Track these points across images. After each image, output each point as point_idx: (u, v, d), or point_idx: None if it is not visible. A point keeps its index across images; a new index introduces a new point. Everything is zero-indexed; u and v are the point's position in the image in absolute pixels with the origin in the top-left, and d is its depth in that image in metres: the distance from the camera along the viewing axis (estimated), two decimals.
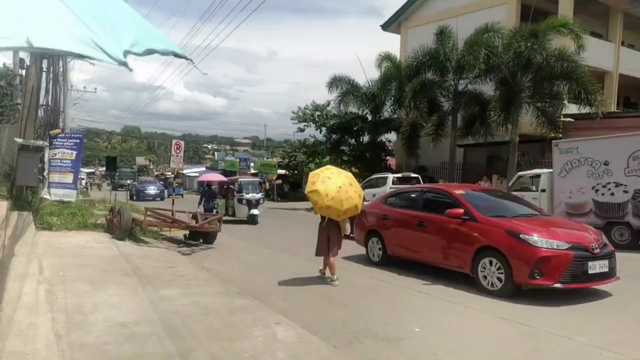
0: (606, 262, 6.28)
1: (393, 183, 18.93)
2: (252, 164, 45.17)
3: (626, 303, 6.17)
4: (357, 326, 5.10)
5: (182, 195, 35.14)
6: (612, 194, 11.27)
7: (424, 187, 8.95)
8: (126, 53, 2.75)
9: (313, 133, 32.52)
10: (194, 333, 4.56)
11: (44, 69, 14.77)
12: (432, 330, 5.02)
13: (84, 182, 39.23)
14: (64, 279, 6.49)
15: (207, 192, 17.18)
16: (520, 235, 6.23)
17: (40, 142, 13.20)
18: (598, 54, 21.09)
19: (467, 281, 6.84)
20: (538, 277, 6.01)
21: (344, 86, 26.44)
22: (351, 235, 10.06)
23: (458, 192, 7.62)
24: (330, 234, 7.29)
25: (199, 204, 16.04)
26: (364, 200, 12.07)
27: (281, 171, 36.64)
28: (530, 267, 6.01)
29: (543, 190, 13.27)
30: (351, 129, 28.50)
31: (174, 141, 15.33)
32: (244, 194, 16.99)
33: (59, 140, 13.65)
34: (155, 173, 66.76)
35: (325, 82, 26.79)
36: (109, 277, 6.79)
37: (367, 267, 8.53)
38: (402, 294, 6.65)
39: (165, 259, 8.89)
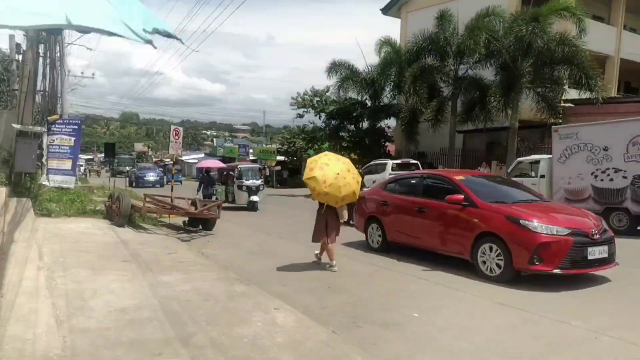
0: (605, 247, 6.29)
1: (392, 169, 18.94)
2: (251, 151, 45.13)
3: (624, 288, 6.20)
4: (356, 311, 5.14)
5: (180, 181, 35.10)
6: (611, 179, 11.28)
7: (424, 173, 8.93)
8: (145, 32, 2.88)
9: (312, 119, 32.45)
10: (194, 318, 4.59)
11: (41, 54, 14.64)
12: (431, 315, 5.06)
13: (82, 168, 39.10)
14: (64, 265, 6.51)
15: (205, 178, 17.17)
16: (520, 221, 6.22)
17: (38, 128, 13.13)
18: (599, 38, 20.94)
19: (466, 267, 6.87)
20: (537, 263, 6.02)
21: (344, 71, 26.27)
22: (351, 222, 10.08)
23: (458, 177, 7.58)
24: (328, 220, 7.30)
25: (198, 191, 16.04)
26: (364, 186, 12.15)
27: (280, 157, 36.60)
28: (530, 252, 6.02)
29: (542, 176, 13.27)
30: (350, 115, 28.40)
31: (172, 127, 15.23)
32: (244, 180, 16.97)
33: (57, 126, 13.59)
34: (154, 159, 66.64)
35: (324, 67, 26.64)
36: (109, 263, 6.81)
37: (366, 253, 8.56)
38: (401, 280, 6.68)
39: (165, 245, 8.91)
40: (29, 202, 10.14)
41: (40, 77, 15.28)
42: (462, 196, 7.01)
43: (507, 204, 6.83)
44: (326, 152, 7.87)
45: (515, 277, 6.28)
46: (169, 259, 7.51)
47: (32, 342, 3.82)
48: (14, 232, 7.44)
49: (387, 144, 30.70)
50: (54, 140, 13.38)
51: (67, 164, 13.51)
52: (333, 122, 29.30)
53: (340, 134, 28.93)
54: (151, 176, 33.83)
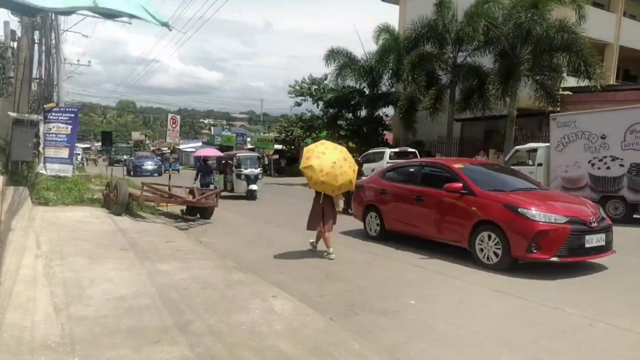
0: (603, 235, 6.30)
1: (390, 158, 18.92)
2: (248, 139, 45.02)
3: (620, 276, 6.23)
4: (353, 299, 5.16)
5: (178, 170, 35.07)
6: (608, 167, 11.29)
7: (423, 161, 8.90)
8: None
9: (310, 107, 32.32)
10: (192, 306, 4.61)
11: (36, 41, 14.49)
12: (428, 302, 5.09)
13: (79, 157, 38.98)
14: (62, 253, 6.52)
15: (203, 167, 17.09)
16: (519, 209, 6.22)
17: (34, 116, 13.07)
18: (599, 25, 20.83)
19: (464, 255, 6.90)
20: (535, 251, 6.03)
21: (342, 59, 26.11)
22: (349, 211, 10.10)
23: (457, 166, 7.56)
24: (324, 208, 7.32)
25: (195, 180, 16.00)
26: (363, 175, 12.16)
27: (278, 146, 36.54)
28: (528, 241, 6.02)
29: (540, 165, 13.28)
30: (348, 103, 28.29)
31: (169, 115, 15.18)
32: (243, 169, 16.92)
33: (53, 114, 13.50)
34: (152, 148, 66.51)
35: (322, 55, 26.48)
36: (107, 252, 6.82)
37: (364, 241, 8.58)
38: (398, 268, 6.71)
39: (163, 233, 8.92)
40: (26, 191, 10.13)
41: (35, 65, 15.16)
42: (461, 184, 7.00)
43: (505, 192, 6.83)
44: (323, 141, 7.85)
45: (512, 265, 6.30)
46: (167, 247, 7.52)
47: (31, 330, 3.84)
48: (11, 221, 7.44)
49: (384, 132, 30.65)
50: (50, 129, 13.31)
51: (64, 153, 13.45)
52: (331, 110, 29.19)
53: (338, 122, 28.84)
54: (149, 165, 33.74)
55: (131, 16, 3.05)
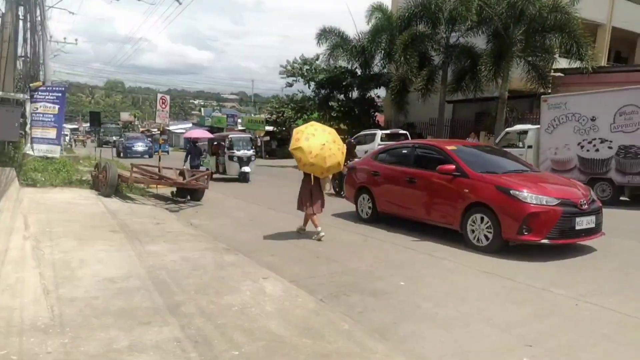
0: (593, 218, 6.33)
1: (381, 139, 18.92)
2: (239, 120, 44.69)
3: (608, 257, 6.31)
4: (344, 280, 5.20)
5: (167, 152, 34.75)
6: (597, 150, 11.39)
7: (415, 143, 8.84)
8: None
9: (301, 88, 32.11)
10: (183, 288, 4.61)
11: (21, 17, 14.13)
12: (417, 283, 5.13)
13: (67, 138, 38.46)
14: (51, 235, 6.47)
15: (192, 149, 16.91)
16: (511, 191, 6.22)
17: (20, 96, 12.84)
18: (592, 5, 20.74)
19: (455, 238, 6.94)
20: (526, 233, 6.06)
21: (334, 38, 25.86)
22: (342, 193, 10.10)
23: (450, 147, 7.52)
24: (313, 190, 7.37)
25: (185, 162, 15.87)
26: (357, 157, 12.14)
27: (269, 128, 36.32)
28: (519, 223, 6.04)
29: (530, 147, 13.35)
30: (340, 84, 28.13)
31: (159, 95, 14.93)
32: (235, 150, 16.68)
33: (40, 93, 13.28)
34: (141, 129, 65.82)
35: (314, 34, 26.20)
36: (96, 233, 6.78)
37: (356, 223, 8.60)
38: (389, 250, 6.74)
39: (153, 215, 8.88)
40: (13, 172, 10.01)
41: (20, 42, 14.80)
42: (454, 166, 6.96)
43: (497, 174, 6.81)
44: (312, 123, 7.85)
45: (503, 247, 6.34)
46: (157, 229, 7.49)
47: (20, 311, 3.82)
48: None
49: (376, 114, 30.58)
50: (37, 108, 13.10)
51: (52, 133, 13.28)
52: (322, 91, 29.02)
53: (330, 103, 28.70)
54: (139, 146, 33.31)
55: None
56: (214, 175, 16.87)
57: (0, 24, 12.63)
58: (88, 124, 45.62)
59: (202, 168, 16.04)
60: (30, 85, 13.81)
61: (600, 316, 4.20)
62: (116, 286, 4.56)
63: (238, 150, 16.77)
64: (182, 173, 11.80)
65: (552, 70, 19.93)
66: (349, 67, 27.42)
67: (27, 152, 12.64)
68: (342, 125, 28.80)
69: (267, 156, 33.15)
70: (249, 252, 6.30)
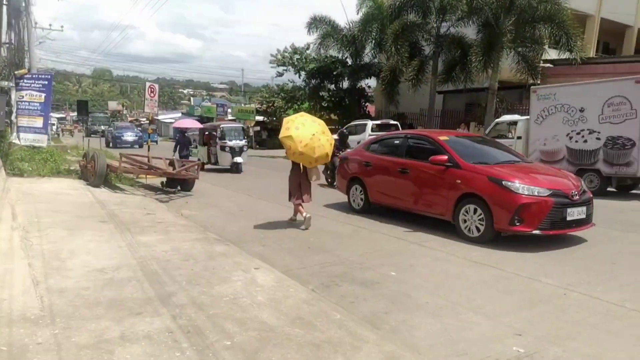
0: (584, 208, 6.36)
1: (372, 130, 18.92)
2: (229, 110, 44.39)
3: (595, 247, 6.38)
4: (335, 270, 5.22)
5: (156, 142, 34.39)
6: (585, 141, 11.49)
7: (407, 133, 8.77)
8: None
9: (292, 78, 31.93)
10: (174, 278, 4.60)
11: (4, 2, 13.84)
12: (408, 273, 5.17)
13: (54, 127, 37.89)
14: (39, 225, 6.40)
15: (181, 139, 16.73)
16: (503, 182, 6.23)
17: (5, 83, 12.63)
18: None
19: (447, 228, 6.98)
20: (518, 224, 6.08)
21: (324, 27, 25.72)
22: (335, 184, 10.10)
23: (442, 138, 7.50)
24: (302, 180, 7.44)
25: (174, 152, 15.73)
26: (349, 147, 12.13)
27: (259, 117, 36.13)
28: (511, 213, 6.06)
29: (519, 138, 13.42)
30: (331, 74, 28.02)
31: (147, 84, 14.80)
32: (227, 140, 16.44)
33: (25, 81, 13.07)
34: (130, 118, 65.10)
35: (304, 23, 26.05)
36: (85, 224, 6.73)
37: (348, 214, 8.60)
38: (380, 240, 6.77)
39: (143, 205, 8.82)
40: None
41: (4, 28, 14.51)
42: (446, 157, 6.95)
43: (489, 165, 6.82)
44: (302, 113, 7.92)
45: (495, 237, 6.37)
46: (147, 219, 7.45)
47: (9, 302, 3.79)
48: None
49: (367, 104, 30.55)
50: (23, 97, 12.90)
51: (38, 122, 13.10)
52: (313, 81, 28.90)
53: (321, 93, 28.60)
54: (129, 136, 32.76)
55: None
56: (206, 166, 16.75)
57: None
58: (75, 113, 44.95)
59: (191, 158, 15.91)
60: (16, 72, 13.57)
61: (587, 305, 4.27)
62: (107, 277, 4.54)
63: (230, 140, 16.52)
64: (172, 163, 11.71)
65: (542, 61, 20.05)
66: (340, 56, 27.32)
67: (14, 141, 12.47)
68: (332, 116, 28.75)
69: (257, 146, 32.99)
70: (239, 243, 6.31)
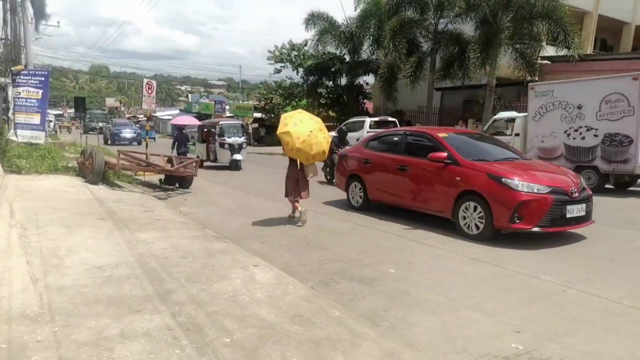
0: (584, 206, 6.35)
1: (370, 127, 18.89)
2: (227, 107, 44.25)
3: (593, 244, 6.39)
4: (334, 268, 5.22)
5: (154, 138, 34.29)
6: (583, 138, 11.50)
7: (406, 130, 8.71)
8: None
9: (290, 74, 31.86)
10: (173, 275, 4.60)
11: None
12: (407, 270, 5.18)
13: (52, 124, 37.69)
14: (37, 223, 6.39)
15: (179, 135, 16.65)
16: (502, 179, 6.22)
17: (1, 80, 12.57)
18: None
19: (446, 225, 6.98)
20: (518, 221, 6.07)
21: (322, 24, 25.65)
22: (334, 181, 10.10)
23: (441, 135, 7.47)
24: (299, 177, 7.49)
25: (172, 149, 15.69)
26: (348, 144, 12.11)
27: (257, 114, 36.05)
28: (511, 211, 6.05)
29: (517, 135, 13.43)
30: (329, 71, 27.97)
31: (145, 80, 14.72)
32: (226, 137, 16.32)
33: (22, 77, 13.01)
34: (127, 115, 64.93)
35: (302, 19, 25.99)
36: (84, 221, 6.72)
37: (347, 212, 8.60)
38: (379, 237, 6.78)
39: (141, 202, 8.81)
40: None
41: (0, 24, 14.44)
42: (445, 154, 6.94)
43: (488, 162, 6.79)
44: (300, 110, 7.96)
45: (494, 235, 6.35)
46: (146, 216, 7.44)
47: (8, 300, 3.78)
48: None
49: (365, 101, 30.51)
50: (20, 93, 12.85)
51: (36, 118, 13.05)
52: (311, 77, 28.84)
53: (319, 90, 28.55)
54: (128, 133, 32.50)
55: None
56: (205, 163, 16.70)
57: None
58: (73, 110, 44.74)
59: (189, 155, 15.88)
60: (12, 68, 13.51)
61: (586, 302, 4.29)
62: (105, 274, 4.54)
63: (229, 137, 16.39)
64: (170, 160, 11.69)
65: (540, 58, 20.04)
66: (338, 53, 27.27)
67: (11, 138, 12.43)
68: (330, 113, 28.74)
69: (255, 143, 32.92)
70: (238, 240, 6.31)
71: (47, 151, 12.25)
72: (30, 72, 13.51)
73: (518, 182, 6.16)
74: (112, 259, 5.02)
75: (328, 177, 12.32)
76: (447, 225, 7.00)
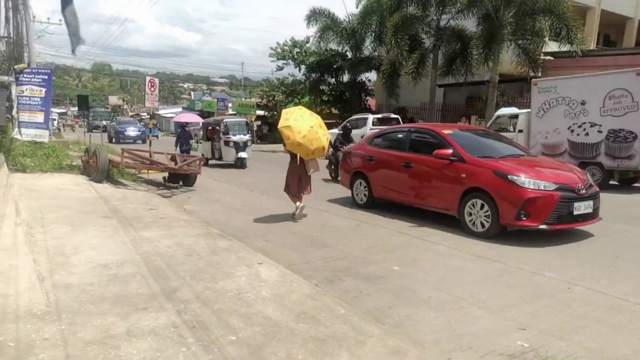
0: (591, 203, 6.31)
1: (373, 124, 18.88)
2: (229, 105, 44.25)
3: (598, 241, 6.38)
4: (339, 265, 5.23)
5: (157, 136, 34.30)
6: (587, 134, 11.46)
7: (411, 127, 8.63)
8: None
9: (292, 72, 31.85)
10: (178, 273, 4.62)
11: None
12: (411, 268, 5.19)
13: (55, 122, 37.71)
14: (43, 221, 6.42)
15: (182, 133, 16.63)
16: (508, 176, 6.18)
17: (5, 78, 12.61)
18: None
19: (451, 223, 6.97)
20: (524, 219, 6.03)
21: (324, 20, 25.60)
22: (338, 178, 10.10)
23: (446, 132, 7.40)
24: (301, 173, 7.59)
25: (176, 146, 15.69)
26: (352, 141, 12.09)
27: (260, 112, 36.05)
28: (517, 208, 6.00)
29: (520, 131, 13.39)
30: (331, 68, 27.94)
31: (147, 78, 14.70)
32: (231, 135, 16.20)
33: (25, 76, 13.04)
34: (131, 113, 64.99)
35: (304, 16, 25.96)
36: (89, 219, 6.74)
37: (352, 209, 8.58)
38: (382, 235, 6.77)
39: (145, 201, 8.83)
40: (1, 157, 9.90)
41: (2, 22, 14.46)
42: (450, 151, 6.89)
43: (494, 159, 6.74)
44: (300, 107, 8.07)
45: (501, 232, 6.32)
46: (150, 215, 7.46)
47: (15, 298, 3.81)
48: None
49: (367, 98, 30.48)
50: (23, 91, 12.88)
51: (40, 117, 13.09)
52: (313, 75, 28.80)
53: (321, 87, 28.52)
54: (132, 131, 32.33)
55: None
56: (210, 162, 16.68)
57: None
58: (76, 108, 44.76)
59: (192, 152, 15.87)
60: (15, 67, 13.52)
61: (591, 299, 4.28)
62: (111, 272, 4.56)
63: (234, 135, 16.24)
64: (173, 158, 11.71)
65: (542, 54, 19.96)
66: (340, 50, 27.22)
67: (16, 136, 12.46)
68: (333, 110, 28.71)
69: (258, 141, 32.94)
70: (242, 238, 6.33)
71: (52, 150, 12.28)
72: (34, 70, 13.54)
73: (524, 179, 6.12)
74: (118, 257, 5.05)
75: (333, 175, 12.31)
76: (450, 222, 6.99)
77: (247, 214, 8.14)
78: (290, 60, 30.94)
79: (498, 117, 14.76)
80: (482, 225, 6.43)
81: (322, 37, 25.81)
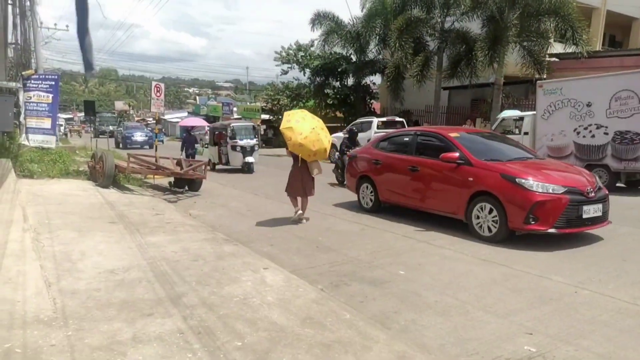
0: (600, 206, 6.24)
1: (378, 127, 18.84)
2: (235, 109, 44.36)
3: (605, 244, 6.33)
4: (344, 270, 5.23)
5: (162, 141, 34.35)
6: (593, 136, 11.40)
7: (417, 130, 8.57)
8: None
9: (297, 75, 31.88)
10: (184, 278, 4.63)
11: (9, 1, 13.87)
12: (417, 272, 5.17)
13: (62, 128, 37.88)
14: (50, 227, 6.46)
15: (187, 138, 16.64)
16: (516, 180, 6.12)
17: (13, 84, 12.71)
18: None
19: (457, 226, 6.95)
20: (533, 223, 5.97)
21: (328, 24, 25.63)
22: (345, 183, 10.10)
23: (453, 135, 7.35)
24: (302, 175, 7.66)
25: (182, 151, 15.72)
26: (358, 145, 12.07)
27: (265, 116, 36.11)
28: (526, 212, 5.95)
29: (526, 133, 13.33)
30: (335, 71, 27.95)
31: (153, 83, 14.75)
32: (238, 140, 16.10)
33: (32, 82, 13.13)
34: (136, 118, 65.33)
35: (308, 19, 25.99)
36: (95, 225, 6.78)
37: (358, 213, 8.55)
38: (389, 239, 6.76)
39: (151, 206, 8.87)
40: (9, 163, 9.94)
41: (10, 29, 14.57)
42: (457, 154, 6.84)
43: (502, 162, 6.68)
44: (302, 110, 8.30)
45: (509, 236, 6.26)
46: (156, 220, 7.49)
47: (22, 304, 3.83)
48: None
49: (372, 101, 30.46)
50: (30, 97, 12.97)
51: (47, 123, 13.17)
52: (318, 78, 28.82)
53: (325, 91, 28.53)
54: (139, 136, 32.29)
55: None
56: (217, 167, 16.66)
57: None
58: (83, 114, 45.00)
59: (197, 157, 15.90)
60: (23, 73, 13.62)
61: (599, 303, 4.25)
62: (117, 278, 4.58)
63: (241, 139, 16.11)
64: (179, 163, 11.75)
65: (547, 55, 19.87)
66: (344, 53, 27.23)
67: (23, 142, 12.55)
68: (338, 113, 28.71)
69: (263, 145, 32.93)
70: (248, 242, 6.34)
71: (58, 155, 12.35)
72: (41, 76, 13.63)
73: (532, 182, 6.06)
74: (124, 262, 5.07)
75: (339, 179, 12.30)
76: (456, 226, 6.97)
77: (253, 218, 8.16)
78: (294, 64, 30.98)
79: (503, 119, 14.66)
80: (490, 229, 6.38)
81: (327, 40, 25.84)
